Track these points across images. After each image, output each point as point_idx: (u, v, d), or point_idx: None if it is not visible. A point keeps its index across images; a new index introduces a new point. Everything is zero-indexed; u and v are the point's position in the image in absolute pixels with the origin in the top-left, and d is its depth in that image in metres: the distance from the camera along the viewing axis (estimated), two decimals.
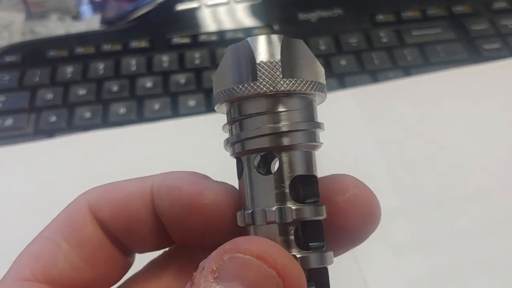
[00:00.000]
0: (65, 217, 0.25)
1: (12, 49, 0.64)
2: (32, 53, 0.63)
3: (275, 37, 0.22)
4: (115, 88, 0.58)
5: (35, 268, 0.23)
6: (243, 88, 0.21)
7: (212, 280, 0.20)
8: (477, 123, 0.51)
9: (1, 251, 0.43)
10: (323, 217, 0.22)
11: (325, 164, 0.48)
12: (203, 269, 0.20)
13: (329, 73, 0.57)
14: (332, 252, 0.23)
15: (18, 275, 0.23)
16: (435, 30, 0.61)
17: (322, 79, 0.23)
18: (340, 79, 0.56)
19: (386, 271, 0.42)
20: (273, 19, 0.65)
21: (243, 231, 0.23)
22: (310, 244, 0.22)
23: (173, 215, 0.24)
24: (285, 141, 0.22)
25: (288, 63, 0.22)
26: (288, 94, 0.22)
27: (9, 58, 0.62)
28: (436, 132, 0.50)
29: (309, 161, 0.23)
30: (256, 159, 0.22)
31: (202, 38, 0.63)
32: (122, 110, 0.55)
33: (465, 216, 0.44)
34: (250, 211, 0.22)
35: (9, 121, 0.55)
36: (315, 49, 0.60)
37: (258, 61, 0.21)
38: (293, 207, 0.21)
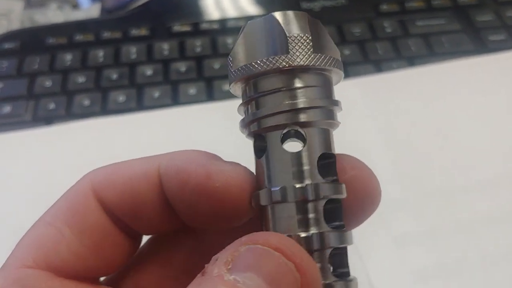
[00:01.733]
0: (68, 202, 0.24)
1: (11, 36, 0.64)
2: (31, 41, 0.62)
3: (299, 14, 0.22)
4: (114, 76, 0.57)
5: (37, 256, 0.23)
6: (275, 61, 0.21)
7: (226, 270, 0.19)
8: (481, 114, 0.50)
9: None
10: (343, 195, 0.22)
11: None
12: (216, 260, 0.19)
13: None
14: (351, 231, 0.22)
15: (20, 262, 0.23)
16: (440, 20, 0.60)
17: (338, 56, 0.23)
18: (343, 68, 0.56)
19: (388, 262, 0.41)
20: (275, 8, 0.63)
21: (259, 214, 0.22)
22: (330, 223, 0.22)
23: (182, 198, 0.23)
24: (310, 117, 0.21)
25: (316, 39, 0.21)
26: (315, 70, 0.22)
27: (8, 45, 0.62)
28: (440, 123, 0.50)
29: (330, 140, 0.23)
30: (279, 136, 0.22)
31: (203, 26, 0.62)
32: (121, 98, 0.55)
33: (469, 208, 0.44)
34: (274, 189, 0.21)
35: (7, 108, 0.55)
36: None
37: (289, 35, 0.21)
38: (315, 185, 0.21)
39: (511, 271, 0.40)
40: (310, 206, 0.21)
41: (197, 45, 0.59)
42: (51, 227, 0.23)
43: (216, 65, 0.57)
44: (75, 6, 0.75)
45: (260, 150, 0.22)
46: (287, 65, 0.21)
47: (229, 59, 0.23)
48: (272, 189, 0.21)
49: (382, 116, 0.51)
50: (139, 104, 0.54)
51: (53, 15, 0.73)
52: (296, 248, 0.20)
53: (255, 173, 0.23)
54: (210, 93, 0.54)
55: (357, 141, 0.48)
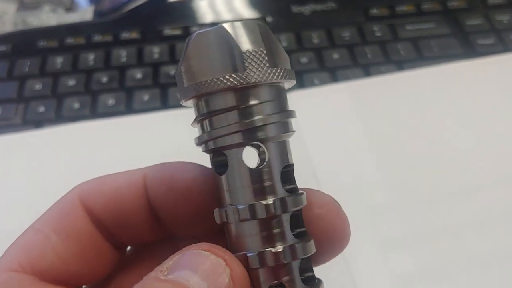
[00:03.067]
0: (57, 210, 0.25)
1: (2, 39, 0.64)
2: (22, 43, 0.63)
3: (251, 24, 0.21)
4: (104, 79, 0.57)
5: (23, 260, 0.23)
6: (231, 79, 0.20)
7: (161, 275, 0.20)
8: (469, 118, 0.50)
9: None
10: (304, 204, 0.22)
11: (316, 158, 0.48)
12: (152, 271, 0.21)
13: (321, 66, 0.57)
14: (313, 240, 0.22)
15: (7, 266, 0.23)
16: (429, 24, 0.60)
17: (288, 64, 0.22)
18: (332, 72, 0.56)
19: (374, 266, 0.42)
20: (266, 11, 0.64)
21: (224, 229, 0.23)
22: (293, 231, 0.22)
23: (168, 203, 0.24)
24: (268, 133, 0.21)
25: (270, 52, 0.21)
26: (265, 84, 0.21)
27: None
28: (427, 127, 0.50)
29: (288, 151, 0.22)
30: (240, 153, 0.21)
31: (194, 29, 0.62)
32: (111, 101, 0.55)
33: (455, 212, 0.44)
34: (224, 209, 0.22)
35: None
36: (307, 42, 0.59)
37: (244, 50, 0.20)
38: (269, 202, 0.21)
39: (495, 276, 0.41)
40: (274, 221, 0.21)
41: None
42: (38, 233, 0.24)
43: None
44: (69, 8, 0.75)
45: (221, 166, 0.22)
46: (244, 83, 0.20)
47: (180, 71, 0.22)
48: (238, 207, 0.21)
49: (370, 120, 0.51)
50: (129, 107, 0.55)
51: (46, 18, 0.73)
52: (223, 248, 0.21)
53: (215, 189, 0.23)
54: None
55: (345, 145, 0.49)
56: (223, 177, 0.22)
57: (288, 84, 0.23)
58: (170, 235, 0.26)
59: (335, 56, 0.58)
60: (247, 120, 0.21)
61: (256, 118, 0.21)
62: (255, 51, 0.21)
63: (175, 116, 0.53)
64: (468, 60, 0.56)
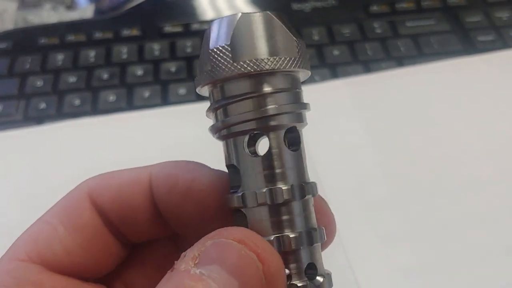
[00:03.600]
0: (64, 203, 0.26)
1: (3, 36, 0.64)
2: (23, 41, 0.63)
3: (277, 15, 0.22)
4: (105, 75, 0.57)
5: (30, 250, 0.24)
6: (225, 68, 0.21)
7: (192, 265, 0.20)
8: (469, 114, 0.51)
9: None
10: (313, 195, 0.22)
11: (316, 153, 0.48)
12: (184, 256, 0.20)
13: (321, 63, 0.57)
14: (323, 229, 0.23)
15: (14, 256, 0.24)
16: (429, 21, 0.61)
17: (304, 54, 0.22)
18: (332, 69, 0.56)
19: (374, 260, 0.42)
20: (266, 8, 0.64)
21: (232, 216, 0.23)
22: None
23: (171, 202, 0.25)
24: (273, 122, 0.21)
25: (271, 41, 0.21)
26: (272, 73, 0.21)
27: (0, 45, 0.62)
28: (427, 123, 0.50)
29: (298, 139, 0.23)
30: (245, 141, 0.22)
31: (194, 27, 0.62)
32: (111, 98, 0.55)
33: (455, 207, 0.44)
34: (240, 194, 0.22)
35: None
36: (308, 39, 0.59)
37: (215, 45, 0.21)
38: (283, 188, 0.21)
39: (495, 269, 0.41)
40: (284, 208, 0.21)
41: (188, 45, 0.60)
42: (46, 224, 0.25)
43: None
44: (70, 6, 0.75)
45: (229, 154, 0.22)
46: (238, 72, 0.21)
47: (204, 57, 0.22)
48: (236, 195, 0.22)
49: (370, 116, 0.51)
50: (129, 103, 0.55)
51: (47, 16, 0.73)
52: (258, 239, 0.21)
53: (229, 176, 0.23)
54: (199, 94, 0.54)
55: (345, 141, 0.49)
56: (260, 158, 0.22)
57: (303, 74, 0.23)
58: (173, 232, 0.27)
59: (336, 52, 0.58)
60: (242, 112, 0.21)
61: (266, 107, 0.21)
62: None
63: (175, 113, 0.53)
64: (468, 57, 0.56)
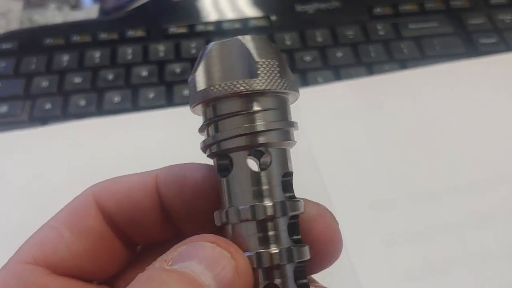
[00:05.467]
0: (71, 208, 0.26)
1: (8, 36, 0.64)
2: (29, 41, 0.63)
3: (261, 38, 0.23)
4: (110, 76, 0.58)
5: (36, 254, 0.25)
6: (244, 84, 0.22)
7: (166, 265, 0.20)
8: (472, 116, 0.51)
9: None
10: (302, 211, 0.23)
11: (320, 155, 0.48)
12: (157, 260, 0.21)
13: (325, 65, 0.57)
14: (308, 246, 0.23)
15: (21, 259, 0.25)
16: (432, 23, 0.61)
17: (291, 80, 0.23)
18: (336, 71, 0.56)
19: (377, 262, 0.42)
20: (270, 10, 0.64)
21: (222, 231, 0.23)
22: (291, 237, 0.23)
23: (179, 203, 0.25)
24: (261, 139, 0.22)
25: (281, 64, 0.22)
26: (271, 93, 0.22)
27: (5, 45, 0.62)
28: (430, 125, 0.50)
29: (288, 159, 0.23)
30: (243, 156, 0.22)
31: (199, 28, 0.62)
32: (116, 99, 0.55)
33: (458, 208, 0.44)
34: (225, 210, 0.22)
35: (3, 108, 0.55)
36: (311, 40, 0.60)
37: (257, 59, 0.22)
38: (268, 204, 0.22)
39: (498, 270, 0.41)
40: (272, 223, 0.22)
41: (192, 46, 0.60)
42: (52, 229, 0.25)
43: None
44: (74, 6, 0.76)
45: (223, 170, 0.23)
46: (253, 90, 0.22)
47: (193, 79, 0.23)
48: (238, 207, 0.22)
49: (373, 117, 0.51)
50: (134, 104, 0.55)
51: (52, 16, 0.74)
52: (230, 242, 0.21)
53: (217, 192, 0.24)
54: None
55: (348, 142, 0.49)
56: (225, 179, 0.23)
57: (292, 97, 0.24)
58: (179, 234, 0.27)
59: (339, 54, 0.58)
60: (251, 124, 0.22)
61: (260, 123, 0.22)
62: (269, 61, 0.22)
63: (180, 113, 0.53)
64: (471, 59, 0.56)
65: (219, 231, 0.24)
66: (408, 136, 0.50)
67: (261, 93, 0.22)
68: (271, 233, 0.22)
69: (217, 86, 0.22)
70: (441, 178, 0.46)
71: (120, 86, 0.57)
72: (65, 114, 0.55)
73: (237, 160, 0.22)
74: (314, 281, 0.26)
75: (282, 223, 0.22)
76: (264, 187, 0.22)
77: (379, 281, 0.41)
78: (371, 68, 0.56)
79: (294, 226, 0.23)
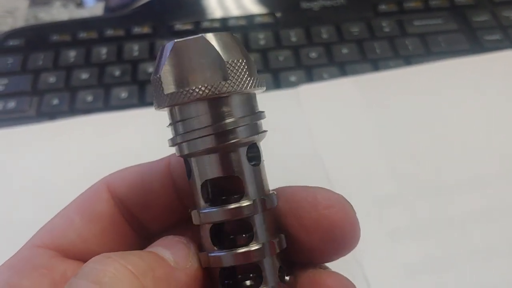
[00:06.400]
0: (83, 195, 0.27)
1: (15, 33, 0.65)
2: (36, 38, 0.64)
3: (226, 35, 0.22)
4: (117, 72, 0.58)
5: (46, 238, 0.25)
6: (213, 89, 0.21)
7: None
8: (476, 112, 0.51)
9: (4, 229, 0.43)
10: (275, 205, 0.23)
11: (325, 150, 0.49)
12: None
13: (330, 61, 0.58)
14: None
15: (31, 244, 0.25)
16: (437, 20, 0.61)
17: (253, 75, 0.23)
18: (341, 67, 0.57)
19: (382, 256, 0.42)
20: (275, 7, 0.65)
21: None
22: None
23: None
24: (235, 138, 0.22)
25: (248, 62, 0.22)
26: (238, 93, 0.22)
27: (12, 42, 0.63)
28: (435, 121, 0.50)
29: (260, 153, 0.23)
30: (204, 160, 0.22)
31: (205, 24, 0.63)
32: (123, 94, 0.56)
33: (462, 204, 0.45)
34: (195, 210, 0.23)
35: (12, 104, 0.56)
36: (317, 37, 0.60)
37: (226, 59, 0.21)
38: (202, 211, 0.22)
39: (501, 266, 0.41)
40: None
41: None
42: (63, 216, 0.26)
43: None
44: (80, 4, 0.76)
45: (190, 171, 0.23)
46: (225, 92, 0.21)
47: (158, 79, 0.22)
48: (201, 211, 0.23)
49: (378, 113, 0.51)
50: (141, 100, 0.55)
51: (57, 13, 0.74)
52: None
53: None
54: None
55: (354, 138, 0.50)
56: (189, 181, 0.23)
57: (259, 91, 0.23)
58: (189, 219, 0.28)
59: (344, 51, 0.58)
60: (212, 125, 0.21)
61: (223, 122, 0.21)
62: (236, 61, 0.21)
63: None
64: (475, 56, 0.56)
65: None
66: (412, 131, 0.50)
67: (230, 95, 0.22)
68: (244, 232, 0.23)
69: (188, 89, 0.21)
70: (446, 174, 0.47)
71: (127, 82, 0.57)
72: (73, 109, 0.55)
73: (195, 164, 0.23)
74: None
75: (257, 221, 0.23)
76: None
77: (384, 275, 0.41)
78: (376, 64, 0.57)
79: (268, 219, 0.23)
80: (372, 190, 0.46)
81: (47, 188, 0.47)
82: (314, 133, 0.49)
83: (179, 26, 0.63)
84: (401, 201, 0.45)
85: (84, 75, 0.58)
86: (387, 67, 0.56)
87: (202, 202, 0.23)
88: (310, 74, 0.56)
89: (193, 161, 0.22)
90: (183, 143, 0.22)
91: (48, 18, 0.73)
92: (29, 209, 0.45)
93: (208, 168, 0.22)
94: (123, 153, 0.49)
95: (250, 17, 0.63)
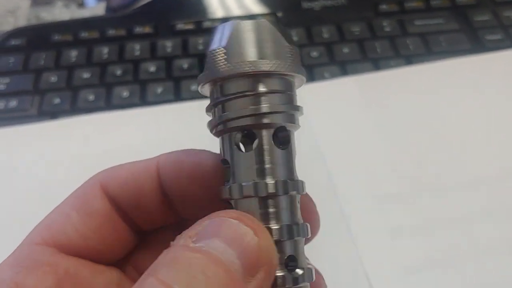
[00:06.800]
0: (78, 192, 0.27)
1: (17, 32, 0.65)
2: (37, 37, 0.64)
3: (262, 22, 0.23)
4: (118, 72, 0.58)
5: (45, 235, 0.25)
6: (220, 69, 0.22)
7: (190, 242, 0.20)
8: (477, 112, 0.51)
9: (5, 227, 0.43)
10: (299, 193, 0.24)
11: (326, 150, 0.49)
12: (181, 235, 0.21)
13: (331, 60, 0.58)
14: (307, 226, 0.24)
15: (31, 241, 0.25)
16: (438, 20, 0.61)
17: (299, 62, 0.24)
18: (342, 66, 0.57)
19: (383, 254, 0.42)
20: (277, 7, 0.65)
21: (224, 207, 0.24)
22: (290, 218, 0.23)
23: (178, 186, 0.26)
24: (265, 120, 0.23)
25: (234, 48, 0.23)
26: (269, 75, 0.23)
27: (14, 42, 0.63)
28: (436, 120, 0.51)
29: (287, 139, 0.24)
30: (237, 137, 0.23)
31: (206, 24, 0.63)
32: (125, 94, 0.56)
33: (464, 203, 0.45)
34: (229, 186, 0.23)
35: (13, 103, 0.56)
36: (318, 37, 0.60)
37: (211, 48, 0.23)
38: (270, 182, 0.22)
39: (502, 265, 0.41)
40: (259, 201, 0.23)
41: (200, 42, 0.61)
42: (60, 212, 0.26)
43: None
44: (81, 4, 0.76)
45: (222, 149, 0.24)
46: (237, 71, 0.22)
47: (222, 50, 0.23)
48: (226, 186, 0.23)
49: (379, 112, 0.52)
50: (143, 99, 0.56)
51: (59, 13, 0.74)
52: (252, 218, 0.22)
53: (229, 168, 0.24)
54: None
55: (355, 137, 0.50)
56: (250, 153, 0.23)
57: (297, 80, 0.25)
58: (181, 218, 0.28)
59: (345, 50, 0.58)
60: (236, 109, 0.23)
61: (260, 105, 0.23)
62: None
63: (187, 108, 0.54)
64: (476, 55, 0.56)
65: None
66: (413, 130, 0.50)
67: (282, 75, 0.23)
68: (272, 209, 0.23)
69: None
70: (447, 173, 0.47)
71: (129, 81, 0.57)
72: (74, 108, 0.55)
73: (228, 141, 0.23)
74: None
75: (278, 202, 0.23)
76: (260, 166, 0.23)
77: (386, 273, 0.41)
78: (377, 63, 0.57)
79: (293, 205, 0.24)
80: (373, 189, 0.46)
81: (48, 187, 0.47)
82: (315, 132, 0.49)
83: (180, 26, 0.63)
84: (402, 200, 0.45)
85: (86, 75, 0.58)
86: (388, 66, 0.56)
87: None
88: (311, 73, 0.56)
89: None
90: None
91: (49, 18, 0.73)
92: (31, 208, 0.45)
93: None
94: (125, 152, 0.49)
95: (251, 17, 0.63)
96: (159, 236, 0.29)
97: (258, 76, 0.23)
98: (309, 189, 0.25)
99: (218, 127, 0.23)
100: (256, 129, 0.23)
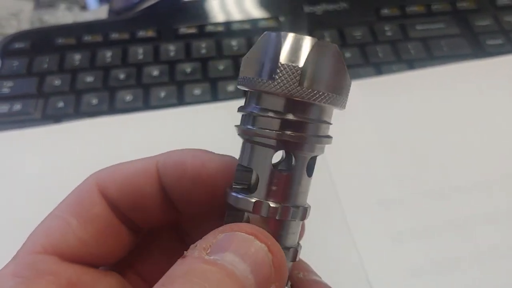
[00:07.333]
0: (75, 196, 0.26)
1: (21, 36, 0.65)
2: (41, 41, 0.64)
3: (308, 40, 0.22)
4: (122, 75, 0.59)
5: (46, 243, 0.25)
6: (258, 82, 0.22)
7: (205, 254, 0.21)
8: (478, 116, 0.51)
9: (8, 231, 0.44)
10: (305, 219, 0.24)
11: (329, 154, 0.49)
12: (196, 246, 0.21)
13: None
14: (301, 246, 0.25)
15: (31, 249, 0.25)
16: (439, 25, 0.62)
17: (344, 92, 0.23)
18: (345, 100, 0.57)
19: (385, 259, 0.43)
20: (279, 11, 0.65)
21: (230, 213, 0.24)
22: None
23: (180, 188, 0.26)
24: (311, 149, 0.23)
25: (311, 72, 0.21)
26: (302, 102, 0.22)
27: (18, 45, 0.63)
28: (437, 124, 0.51)
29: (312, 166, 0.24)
30: (271, 155, 0.23)
31: (209, 28, 0.63)
32: (128, 97, 0.56)
33: (466, 206, 0.45)
34: (254, 200, 0.23)
35: (17, 106, 0.56)
36: None
37: (281, 61, 0.21)
38: (293, 209, 0.23)
39: (503, 268, 0.42)
40: (287, 223, 0.23)
41: (203, 46, 0.61)
42: (59, 218, 0.26)
43: (221, 66, 0.58)
44: (84, 7, 0.77)
45: (249, 156, 0.24)
46: (269, 90, 0.21)
47: (242, 60, 0.23)
48: (270, 204, 0.23)
49: (381, 117, 0.52)
50: (146, 103, 0.56)
51: (62, 16, 0.75)
52: (267, 234, 0.22)
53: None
54: (215, 94, 0.56)
55: (357, 141, 0.50)
56: (285, 175, 0.23)
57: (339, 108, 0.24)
58: (180, 219, 0.28)
59: (347, 55, 0.59)
60: (268, 127, 0.22)
61: (283, 129, 0.22)
62: (291, 65, 0.21)
63: (191, 112, 0.54)
64: (477, 60, 0.57)
65: (217, 214, 0.25)
66: (415, 135, 0.50)
67: (292, 100, 0.22)
68: (285, 232, 0.23)
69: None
70: (449, 177, 0.47)
71: (132, 85, 0.58)
72: (78, 112, 0.56)
73: (261, 155, 0.23)
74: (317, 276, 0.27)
75: (297, 225, 0.24)
76: (293, 191, 0.23)
77: (387, 278, 0.42)
78: (379, 68, 0.57)
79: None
80: (375, 193, 0.46)
81: (52, 191, 0.47)
82: None
83: (183, 30, 0.63)
84: (404, 204, 0.46)
85: (89, 78, 0.59)
86: (389, 71, 0.57)
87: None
88: None
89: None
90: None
91: (52, 21, 0.73)
92: (34, 211, 0.45)
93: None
94: (128, 156, 0.49)
95: (254, 21, 0.64)
96: (158, 234, 0.29)
97: (323, 107, 0.22)
98: (312, 194, 0.25)
99: (257, 138, 0.23)
100: (297, 154, 0.23)
